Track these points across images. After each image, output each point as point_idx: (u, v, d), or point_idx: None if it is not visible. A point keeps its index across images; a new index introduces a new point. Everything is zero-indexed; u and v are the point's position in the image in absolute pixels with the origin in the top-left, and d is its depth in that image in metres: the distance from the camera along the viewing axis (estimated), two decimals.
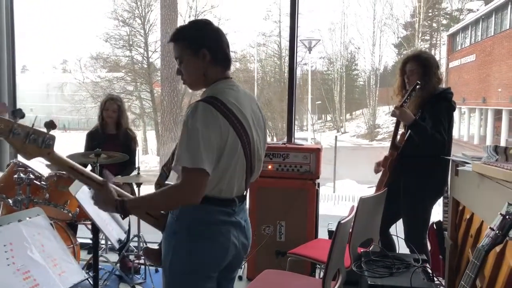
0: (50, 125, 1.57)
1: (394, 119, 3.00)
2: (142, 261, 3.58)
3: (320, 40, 18.97)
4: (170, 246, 1.68)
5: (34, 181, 3.16)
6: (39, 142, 1.57)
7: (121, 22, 16.33)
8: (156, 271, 3.73)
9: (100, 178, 1.67)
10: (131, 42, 17.13)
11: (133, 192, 3.88)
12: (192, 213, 1.64)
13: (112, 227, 2.33)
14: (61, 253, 1.88)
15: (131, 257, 3.68)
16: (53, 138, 1.60)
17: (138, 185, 3.54)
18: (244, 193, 1.77)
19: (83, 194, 2.27)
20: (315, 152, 3.56)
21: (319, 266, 3.48)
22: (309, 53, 16.95)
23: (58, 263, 1.83)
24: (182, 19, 13.91)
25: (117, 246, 2.35)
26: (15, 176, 3.11)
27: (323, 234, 3.72)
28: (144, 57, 17.00)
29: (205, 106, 1.56)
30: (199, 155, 1.52)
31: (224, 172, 1.62)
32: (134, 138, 3.91)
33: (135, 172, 3.63)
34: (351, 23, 25.85)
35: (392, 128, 3.09)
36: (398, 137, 3.03)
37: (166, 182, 1.87)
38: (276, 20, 21.00)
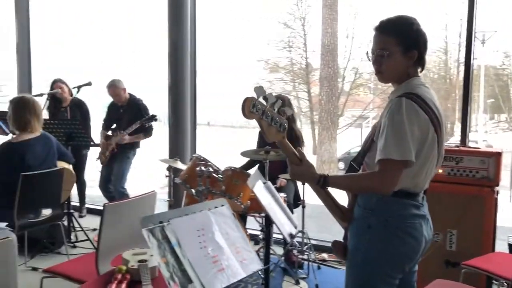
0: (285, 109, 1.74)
1: None
2: (305, 256, 3.69)
3: (495, 32, 16.98)
4: (364, 239, 1.77)
5: (213, 174, 3.49)
6: (279, 126, 1.72)
7: (283, 25, 16.92)
8: (319, 267, 3.81)
9: (298, 154, 1.81)
10: (291, 44, 17.63)
11: (297, 189, 4.01)
12: (389, 207, 1.73)
13: (284, 221, 2.44)
14: (242, 242, 2.04)
15: (295, 252, 3.82)
16: (286, 123, 1.76)
17: (303, 182, 3.66)
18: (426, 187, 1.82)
19: (259, 187, 2.43)
20: (495, 157, 3.23)
21: (496, 282, 3.16)
22: (483, 46, 15.33)
23: (240, 251, 1.99)
24: (343, 18, 13.83)
25: (289, 239, 2.46)
26: (197, 169, 3.47)
27: (500, 247, 3.36)
28: (303, 58, 17.35)
29: (408, 102, 1.65)
30: (407, 148, 1.61)
31: (422, 166, 1.70)
32: (300, 137, 4.03)
33: None
34: None
35: None
36: None
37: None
38: (443, 13, 19.44)
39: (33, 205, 3.33)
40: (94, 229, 4.82)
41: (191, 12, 4.78)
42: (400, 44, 1.73)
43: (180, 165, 4.05)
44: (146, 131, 4.76)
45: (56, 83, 4.87)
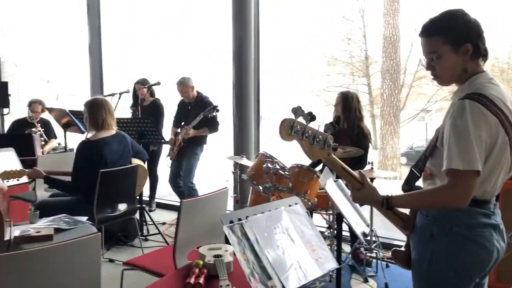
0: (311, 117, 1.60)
1: None
2: (373, 254, 3.63)
3: None
4: (427, 249, 1.68)
5: (279, 171, 3.51)
6: (322, 143, 1.65)
7: (342, 18, 16.66)
8: (387, 266, 3.74)
9: (359, 177, 1.75)
10: (349, 37, 17.32)
11: None
12: (453, 215, 1.60)
13: (357, 220, 2.42)
14: (317, 240, 2.05)
15: (362, 249, 3.77)
16: (331, 138, 1.68)
17: (371, 180, 3.60)
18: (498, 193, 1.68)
19: (331, 186, 2.42)
20: None
21: None
22: None
23: (315, 249, 2.00)
24: (405, 9, 13.38)
25: (362, 238, 2.43)
26: (264, 166, 3.51)
27: None
28: (362, 50, 17.00)
29: (472, 104, 1.52)
30: (472, 156, 1.49)
31: (491, 173, 1.58)
32: (367, 134, 3.94)
33: (368, 167, 3.69)
34: None
35: None
36: None
37: (416, 184, 1.83)
38: None
39: (110, 200, 3.52)
40: (164, 223, 5.02)
41: (254, 8, 4.81)
42: (447, 42, 1.61)
43: (246, 161, 4.11)
44: (211, 126, 4.84)
45: (137, 84, 5.15)
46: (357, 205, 2.59)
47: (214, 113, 4.70)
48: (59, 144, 5.65)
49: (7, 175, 3.32)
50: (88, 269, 2.03)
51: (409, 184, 1.80)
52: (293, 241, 1.96)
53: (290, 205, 2.10)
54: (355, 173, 1.77)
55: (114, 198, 3.55)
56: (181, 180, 5.03)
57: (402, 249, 1.83)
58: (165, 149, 5.25)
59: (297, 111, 1.57)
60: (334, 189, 2.45)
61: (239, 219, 1.85)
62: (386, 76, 11.05)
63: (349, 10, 16.89)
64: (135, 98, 5.25)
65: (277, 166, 3.50)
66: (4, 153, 4.02)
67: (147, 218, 4.63)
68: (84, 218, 3.14)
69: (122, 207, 3.71)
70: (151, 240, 4.44)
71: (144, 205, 4.56)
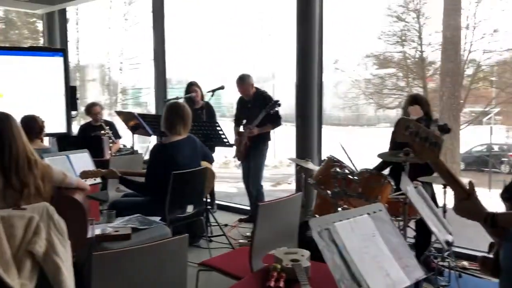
0: (445, 129, 1.59)
1: None
2: (446, 263, 3.51)
3: None
4: None
5: (348, 175, 3.47)
6: (433, 145, 1.63)
7: (395, 18, 16.27)
8: (460, 276, 3.60)
9: (467, 188, 1.67)
10: (403, 38, 16.88)
11: (433, 193, 3.82)
12: None
13: (439, 228, 2.35)
14: (403, 248, 2.00)
15: (432, 258, 3.66)
16: (443, 141, 1.65)
17: (444, 186, 3.49)
18: None
19: (412, 192, 2.36)
20: None
21: None
22: None
23: (402, 257, 1.95)
24: (464, 9, 12.92)
25: (446, 247, 2.36)
26: (332, 170, 3.48)
27: None
28: (417, 51, 16.51)
29: None
30: None
31: None
32: (437, 139, 3.81)
33: None
34: None
35: None
36: None
37: None
38: None
39: (181, 201, 3.61)
40: (226, 225, 5.07)
41: (319, 10, 4.77)
42: None
43: (311, 166, 4.09)
44: (274, 121, 4.82)
45: (191, 86, 5.19)
46: (438, 212, 2.52)
47: (276, 108, 4.68)
48: (124, 146, 5.83)
49: (86, 174, 3.48)
50: (175, 269, 2.08)
51: (509, 192, 1.73)
52: (380, 248, 1.93)
53: (374, 212, 2.06)
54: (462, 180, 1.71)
55: (185, 199, 3.63)
56: (251, 182, 5.04)
57: (491, 256, 1.74)
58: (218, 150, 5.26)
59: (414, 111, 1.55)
60: (415, 196, 2.39)
61: (326, 225, 1.84)
62: (446, 78, 10.68)
63: (404, 11, 16.46)
64: (189, 101, 5.24)
65: (346, 171, 3.47)
66: (79, 154, 4.21)
67: (211, 220, 4.70)
68: (157, 219, 3.24)
69: (189, 208, 3.80)
70: (215, 242, 4.50)
71: (209, 207, 4.62)
